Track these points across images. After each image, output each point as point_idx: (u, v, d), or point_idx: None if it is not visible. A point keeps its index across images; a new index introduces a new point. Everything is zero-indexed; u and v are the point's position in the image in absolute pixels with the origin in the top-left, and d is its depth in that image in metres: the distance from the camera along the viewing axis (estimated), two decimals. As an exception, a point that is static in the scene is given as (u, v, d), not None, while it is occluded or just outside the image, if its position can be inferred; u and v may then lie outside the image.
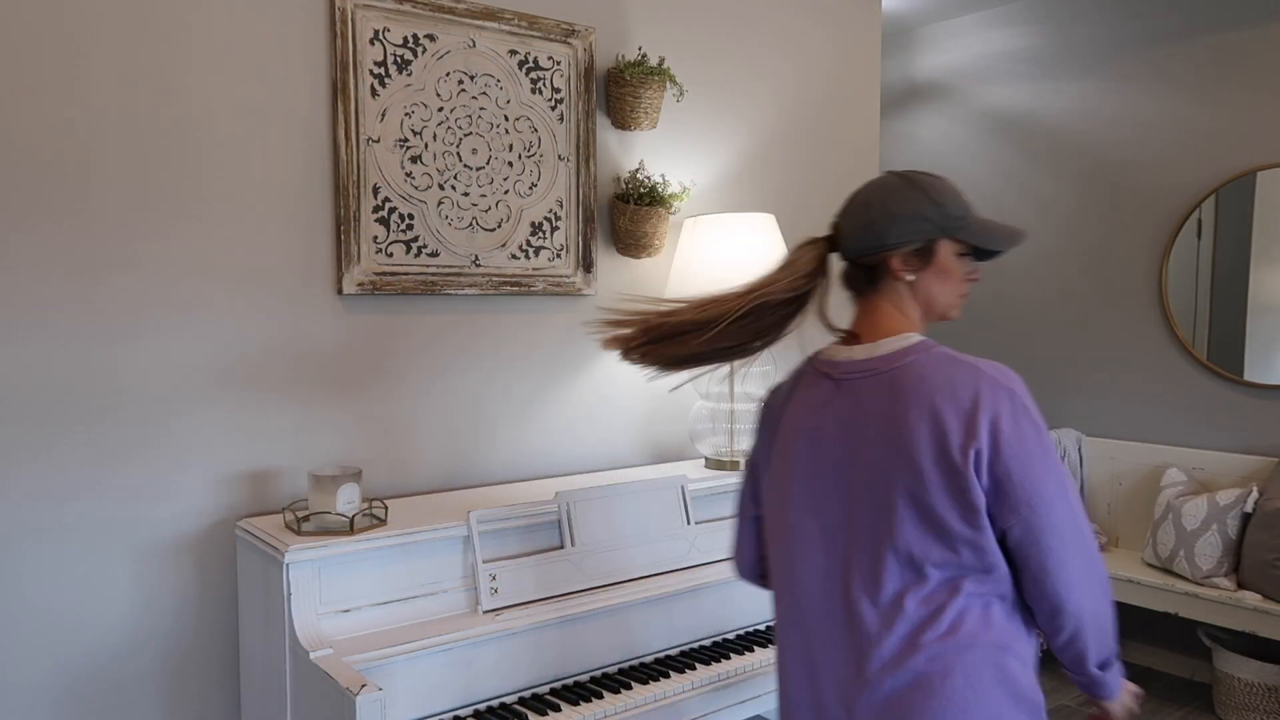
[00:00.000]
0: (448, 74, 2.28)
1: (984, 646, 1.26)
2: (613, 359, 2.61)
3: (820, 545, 1.36)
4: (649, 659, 2.05)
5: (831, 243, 1.41)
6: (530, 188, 2.43)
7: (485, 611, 1.88)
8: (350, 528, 1.86)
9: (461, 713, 1.79)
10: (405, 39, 2.21)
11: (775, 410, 1.47)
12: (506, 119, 2.38)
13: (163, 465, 1.98)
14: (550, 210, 2.47)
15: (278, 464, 2.12)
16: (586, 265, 2.54)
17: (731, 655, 2.09)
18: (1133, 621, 3.90)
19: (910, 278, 1.36)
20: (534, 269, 2.45)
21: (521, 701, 1.85)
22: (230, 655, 2.08)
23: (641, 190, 2.54)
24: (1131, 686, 1.41)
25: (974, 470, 1.23)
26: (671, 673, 1.97)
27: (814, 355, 1.45)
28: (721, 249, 2.48)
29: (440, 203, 2.29)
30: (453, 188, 2.31)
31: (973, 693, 1.24)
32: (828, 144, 3.12)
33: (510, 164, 2.39)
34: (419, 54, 2.23)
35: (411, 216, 2.25)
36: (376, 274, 2.20)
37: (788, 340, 1.43)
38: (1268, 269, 3.54)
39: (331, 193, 2.15)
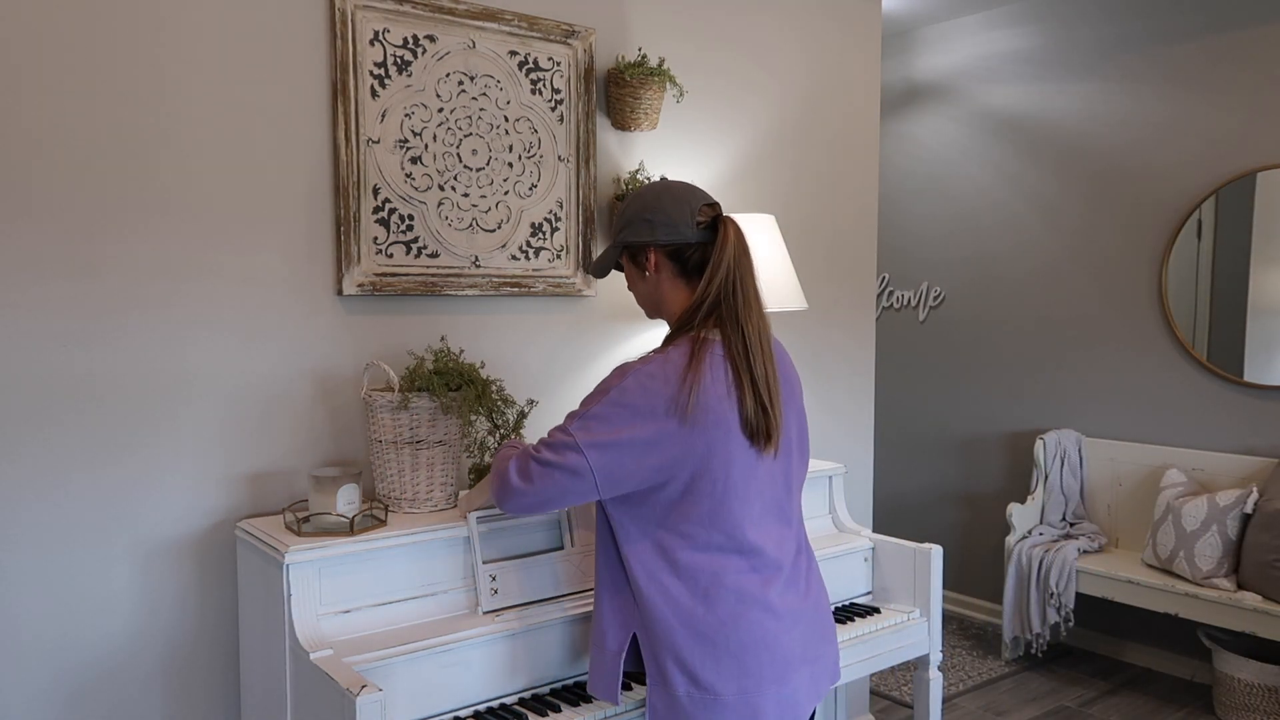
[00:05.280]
0: (448, 75, 2.28)
1: None
2: (613, 360, 2.62)
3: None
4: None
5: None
6: (530, 189, 2.43)
7: (485, 612, 1.88)
8: (350, 528, 1.86)
9: (461, 713, 1.79)
10: (405, 40, 2.21)
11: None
12: (506, 120, 2.38)
13: (162, 466, 1.98)
14: (550, 211, 2.47)
15: (278, 465, 2.12)
16: (587, 266, 2.54)
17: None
18: (1133, 622, 3.90)
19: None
20: (534, 270, 2.45)
21: (522, 703, 1.85)
22: (230, 656, 2.08)
23: (641, 191, 2.53)
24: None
25: None
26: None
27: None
28: (721, 250, 2.48)
29: (440, 204, 2.29)
30: (453, 189, 2.31)
31: None
32: (828, 145, 3.12)
33: (510, 165, 2.39)
34: (419, 55, 2.23)
35: (411, 217, 2.25)
36: (376, 275, 2.20)
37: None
38: (1268, 270, 3.55)
39: (331, 194, 2.15)
